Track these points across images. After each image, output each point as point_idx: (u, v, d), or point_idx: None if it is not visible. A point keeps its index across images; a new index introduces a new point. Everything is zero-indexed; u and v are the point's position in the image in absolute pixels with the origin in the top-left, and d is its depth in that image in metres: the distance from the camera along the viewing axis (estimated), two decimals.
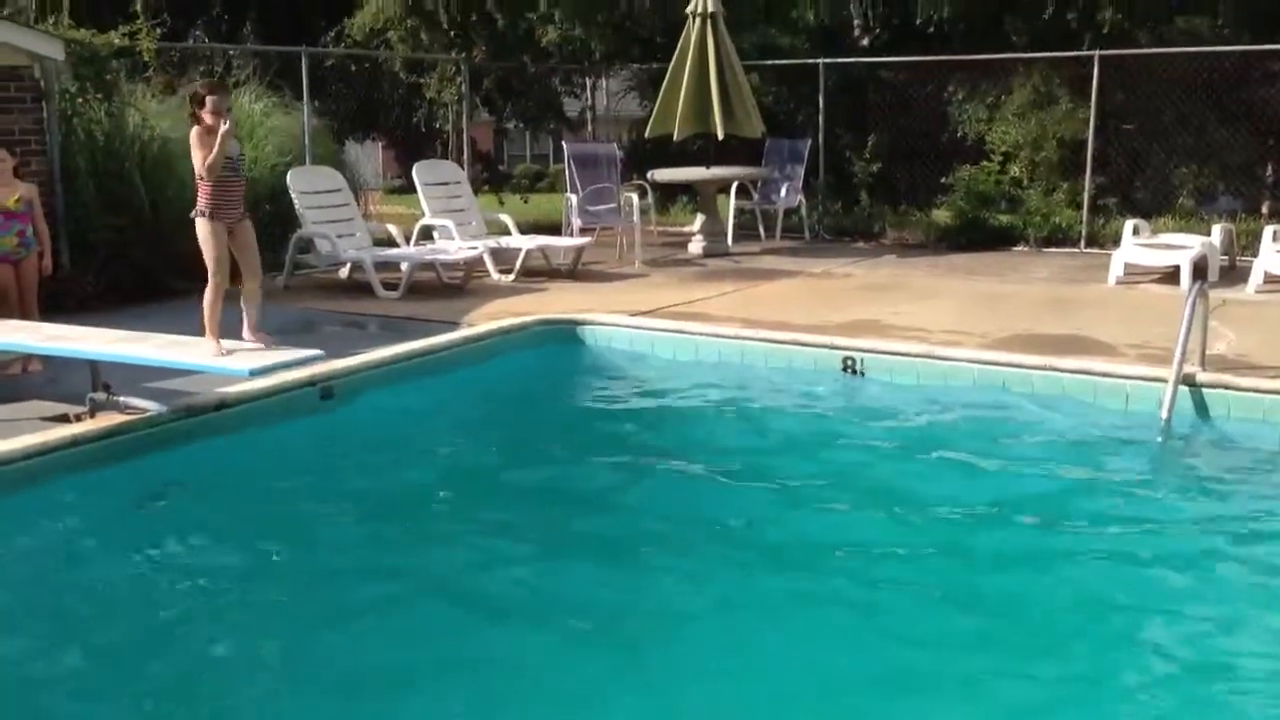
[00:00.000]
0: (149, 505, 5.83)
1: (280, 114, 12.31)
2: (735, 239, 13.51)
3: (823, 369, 7.87)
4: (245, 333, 7.00)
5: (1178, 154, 14.21)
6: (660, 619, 4.64)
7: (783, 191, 14.14)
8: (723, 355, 8.29)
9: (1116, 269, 10.81)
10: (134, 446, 6.06)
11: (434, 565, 5.16)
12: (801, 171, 14.28)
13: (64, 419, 6.22)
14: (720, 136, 12.61)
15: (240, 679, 4.23)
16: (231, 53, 15.85)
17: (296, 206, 10.69)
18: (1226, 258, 11.22)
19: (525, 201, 18.53)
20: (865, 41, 16.35)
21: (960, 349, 7.82)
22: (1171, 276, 10.48)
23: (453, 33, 15.42)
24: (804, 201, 14.34)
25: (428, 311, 9.48)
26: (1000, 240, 13.62)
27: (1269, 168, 14.33)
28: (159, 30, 11.31)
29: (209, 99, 6.74)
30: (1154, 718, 4.02)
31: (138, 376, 6.52)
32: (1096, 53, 12.92)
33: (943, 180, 14.44)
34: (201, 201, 6.85)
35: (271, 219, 10.68)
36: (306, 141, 12.10)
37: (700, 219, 13.34)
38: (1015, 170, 14.23)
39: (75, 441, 5.88)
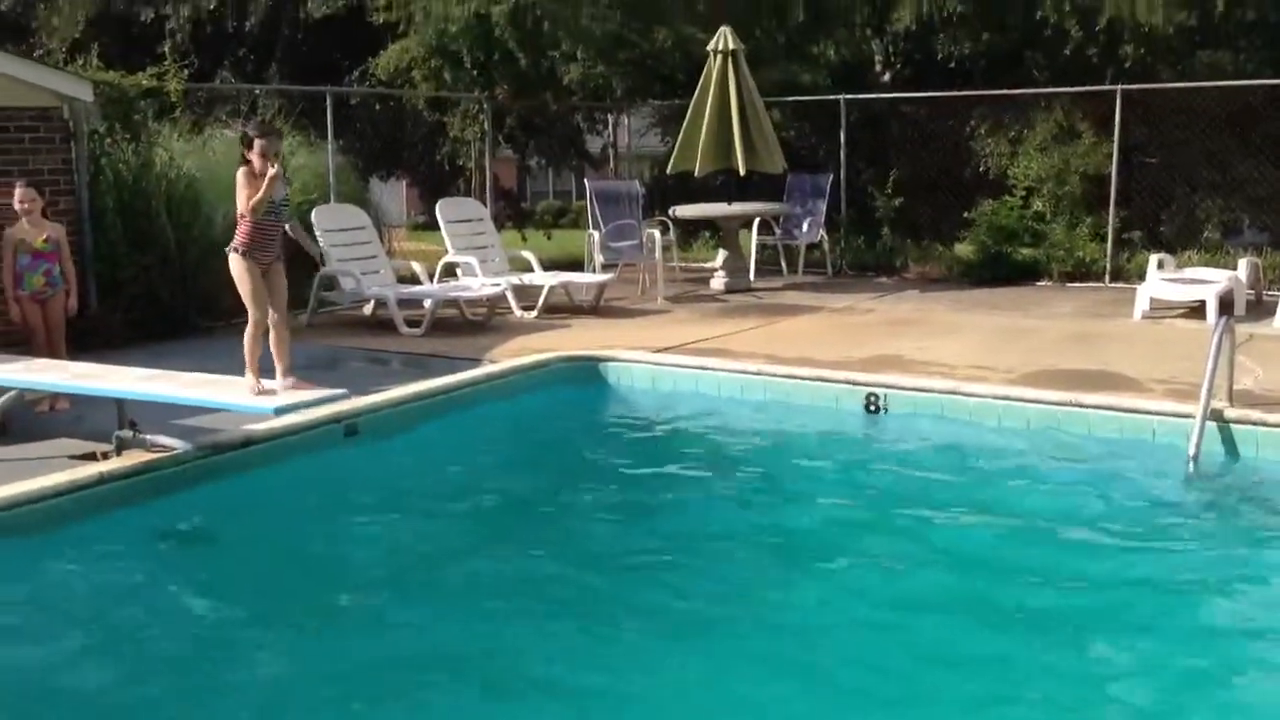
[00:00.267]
0: (174, 542, 5.86)
1: (305, 152, 12.44)
2: (757, 274, 13.53)
3: (844, 406, 7.85)
4: (278, 378, 6.89)
5: (1202, 188, 14.16)
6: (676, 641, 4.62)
7: (804, 227, 14.15)
8: (745, 391, 8.28)
9: (1141, 304, 10.76)
10: (160, 484, 6.11)
11: (451, 611, 5.13)
12: (823, 207, 14.28)
13: (91, 457, 6.29)
14: (742, 172, 12.67)
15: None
16: (257, 92, 16.04)
17: (321, 244, 10.74)
18: (1253, 292, 11.17)
19: (549, 238, 18.58)
20: (886, 77, 16.40)
21: (984, 384, 7.78)
22: (1197, 311, 10.42)
23: (475, 71, 15.56)
24: (826, 236, 14.34)
25: (450, 348, 9.52)
26: (1023, 275, 13.58)
27: None
28: (186, 71, 11.46)
29: (258, 142, 6.75)
30: None
31: (164, 414, 6.56)
32: (1119, 88, 12.90)
33: (965, 215, 14.37)
34: (238, 239, 6.85)
35: (297, 256, 10.72)
36: (331, 179, 12.20)
37: (722, 255, 13.37)
38: (1038, 205, 14.13)
39: (102, 479, 5.93)
